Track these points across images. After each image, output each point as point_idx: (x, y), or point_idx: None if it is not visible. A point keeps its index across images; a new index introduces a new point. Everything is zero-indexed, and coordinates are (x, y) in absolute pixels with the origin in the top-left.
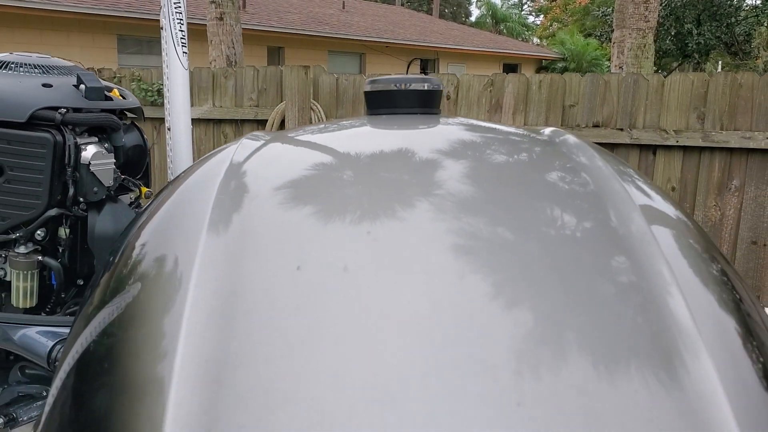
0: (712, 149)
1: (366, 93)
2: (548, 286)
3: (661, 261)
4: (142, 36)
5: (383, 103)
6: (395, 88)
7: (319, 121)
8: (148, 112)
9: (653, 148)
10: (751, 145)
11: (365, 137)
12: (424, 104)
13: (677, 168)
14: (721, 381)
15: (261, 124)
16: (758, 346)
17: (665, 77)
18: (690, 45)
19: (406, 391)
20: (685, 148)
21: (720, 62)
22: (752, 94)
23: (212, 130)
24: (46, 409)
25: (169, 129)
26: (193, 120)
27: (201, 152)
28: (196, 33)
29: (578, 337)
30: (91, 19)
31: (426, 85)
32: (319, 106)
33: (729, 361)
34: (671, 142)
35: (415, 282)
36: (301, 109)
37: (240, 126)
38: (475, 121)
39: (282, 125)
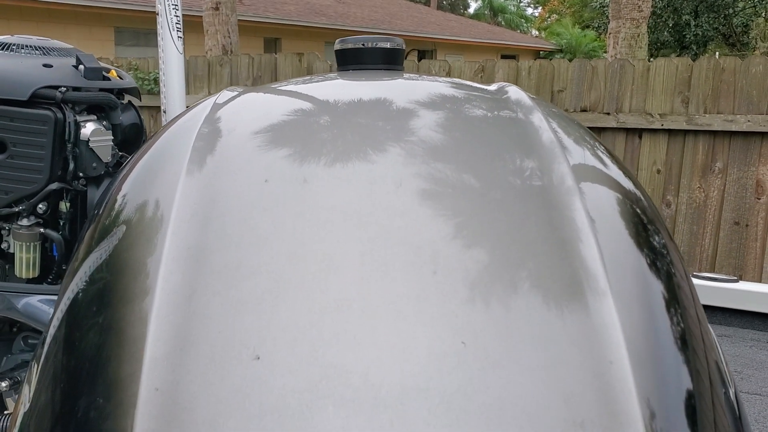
0: (696, 132)
1: (336, 51)
2: (468, 226)
3: (581, 212)
4: (139, 28)
5: (351, 60)
6: (362, 46)
7: None
8: (145, 100)
9: (639, 132)
10: (734, 128)
11: (334, 88)
12: (388, 61)
13: (662, 151)
14: (620, 320)
15: None
16: (667, 299)
17: (650, 62)
18: (687, 36)
19: (346, 261)
20: (670, 131)
21: (717, 53)
22: (734, 78)
23: None
24: (50, 332)
25: (164, 112)
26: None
27: None
28: (193, 24)
29: (487, 273)
30: (88, 11)
31: (389, 43)
32: None
33: (632, 306)
34: (656, 125)
35: (358, 188)
36: None
37: None
38: (433, 78)
39: None
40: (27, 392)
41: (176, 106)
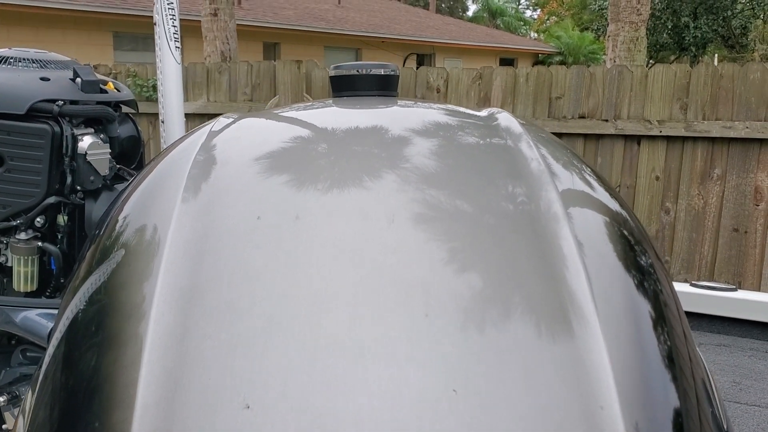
0: (694, 139)
1: (331, 77)
2: (458, 262)
3: (569, 239)
4: (137, 33)
5: (346, 86)
6: (356, 73)
7: None
8: (144, 107)
9: (637, 139)
10: (732, 134)
11: (327, 116)
12: (382, 87)
13: (661, 158)
14: (610, 360)
15: None
16: (654, 323)
17: (649, 68)
18: (687, 38)
19: (338, 302)
20: (669, 138)
21: (716, 55)
22: (733, 84)
23: None
24: (42, 370)
25: (162, 122)
26: (188, 115)
27: None
28: (192, 29)
29: (478, 313)
30: (86, 16)
31: (383, 70)
32: (311, 98)
33: (620, 338)
34: (655, 132)
35: (351, 224)
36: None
37: None
38: (426, 103)
39: None
40: (21, 424)
41: (174, 116)
